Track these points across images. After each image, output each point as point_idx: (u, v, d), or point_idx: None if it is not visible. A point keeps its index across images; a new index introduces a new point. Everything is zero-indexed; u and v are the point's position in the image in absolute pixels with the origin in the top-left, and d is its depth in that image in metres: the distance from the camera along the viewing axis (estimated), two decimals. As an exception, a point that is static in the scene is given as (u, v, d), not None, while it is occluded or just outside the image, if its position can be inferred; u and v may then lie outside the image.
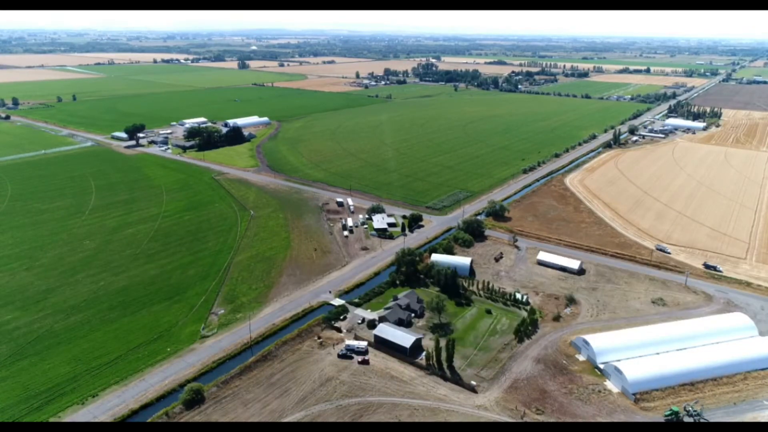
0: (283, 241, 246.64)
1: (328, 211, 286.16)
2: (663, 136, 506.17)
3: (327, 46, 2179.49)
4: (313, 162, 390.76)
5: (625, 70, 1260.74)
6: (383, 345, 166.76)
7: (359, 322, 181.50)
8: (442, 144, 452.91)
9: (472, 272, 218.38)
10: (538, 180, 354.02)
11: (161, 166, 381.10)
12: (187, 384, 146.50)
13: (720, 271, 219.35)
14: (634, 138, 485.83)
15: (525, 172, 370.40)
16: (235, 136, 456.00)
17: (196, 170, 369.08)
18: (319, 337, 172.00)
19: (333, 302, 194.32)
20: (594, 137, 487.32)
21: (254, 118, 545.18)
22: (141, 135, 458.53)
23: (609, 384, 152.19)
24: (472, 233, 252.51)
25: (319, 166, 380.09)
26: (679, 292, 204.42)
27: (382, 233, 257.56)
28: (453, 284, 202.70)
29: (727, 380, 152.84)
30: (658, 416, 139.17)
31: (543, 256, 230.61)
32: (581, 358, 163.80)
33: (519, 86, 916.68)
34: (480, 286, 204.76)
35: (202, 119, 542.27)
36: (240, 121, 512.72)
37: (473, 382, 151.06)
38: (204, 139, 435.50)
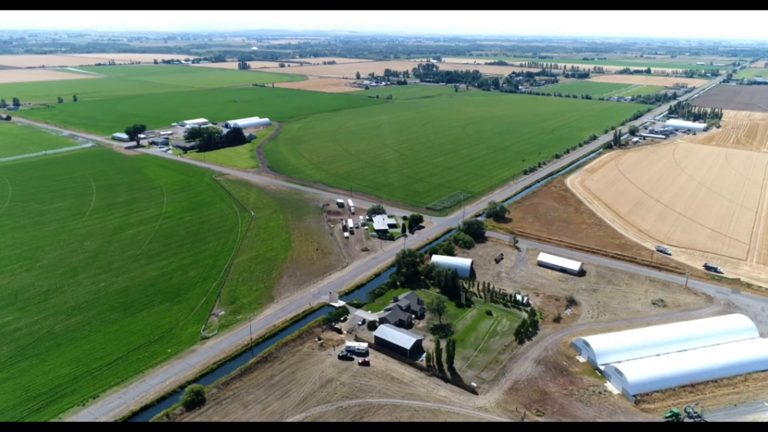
0: (283, 242, 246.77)
1: (328, 212, 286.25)
2: (663, 137, 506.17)
3: (327, 47, 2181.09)
4: (313, 163, 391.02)
5: (626, 71, 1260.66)
6: (384, 346, 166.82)
7: (360, 323, 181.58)
8: (443, 145, 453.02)
9: (472, 273, 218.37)
10: (538, 181, 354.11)
11: (162, 167, 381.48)
12: (188, 385, 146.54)
13: (720, 273, 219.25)
14: (635, 139, 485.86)
15: (525, 173, 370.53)
16: (236, 137, 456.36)
17: (197, 171, 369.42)
18: (320, 339, 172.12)
19: (333, 303, 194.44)
20: (594, 138, 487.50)
21: (255, 119, 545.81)
22: (142, 136, 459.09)
23: (609, 385, 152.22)
24: (472, 234, 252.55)
25: (320, 167, 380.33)
26: (679, 293, 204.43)
27: (383, 234, 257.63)
28: (453, 285, 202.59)
29: (727, 382, 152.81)
30: (658, 417, 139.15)
31: (543, 257, 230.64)
32: (582, 359, 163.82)
33: (519, 87, 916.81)
34: (480, 287, 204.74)
35: (203, 120, 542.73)
36: (240, 122, 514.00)
37: (474, 384, 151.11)
38: (205, 140, 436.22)
